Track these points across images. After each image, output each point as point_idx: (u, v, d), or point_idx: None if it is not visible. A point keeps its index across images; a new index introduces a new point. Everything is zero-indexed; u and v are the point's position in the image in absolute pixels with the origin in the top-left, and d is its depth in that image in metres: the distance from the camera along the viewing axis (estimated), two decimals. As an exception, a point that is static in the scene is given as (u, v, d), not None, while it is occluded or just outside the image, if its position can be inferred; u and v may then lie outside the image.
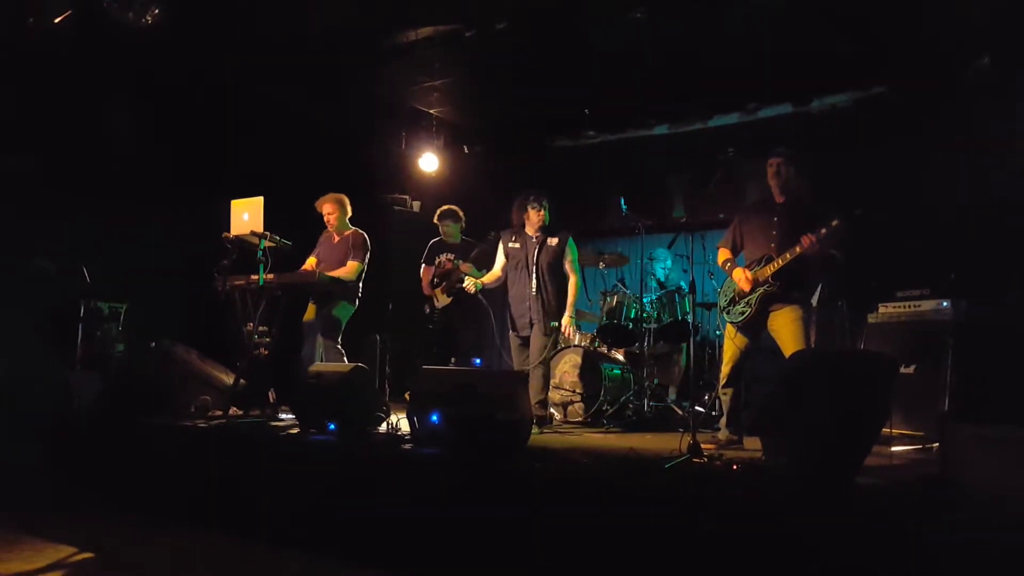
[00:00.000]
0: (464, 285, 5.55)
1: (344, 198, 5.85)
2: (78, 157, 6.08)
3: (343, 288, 5.52)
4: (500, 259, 5.54)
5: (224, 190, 5.58)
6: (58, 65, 5.68)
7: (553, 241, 5.33)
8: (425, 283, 6.37)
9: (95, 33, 5.38)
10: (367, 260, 5.69)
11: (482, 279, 5.53)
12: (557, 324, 5.23)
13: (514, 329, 5.42)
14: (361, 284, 5.69)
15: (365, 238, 5.74)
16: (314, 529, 3.80)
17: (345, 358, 5.52)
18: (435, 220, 6.36)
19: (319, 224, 5.91)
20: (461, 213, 6.37)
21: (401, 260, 6.73)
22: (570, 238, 5.41)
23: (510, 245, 5.43)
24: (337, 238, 5.81)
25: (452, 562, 3.36)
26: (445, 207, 6.38)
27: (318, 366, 4.98)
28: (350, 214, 5.87)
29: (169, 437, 4.66)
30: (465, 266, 5.96)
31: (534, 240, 5.34)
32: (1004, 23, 5.17)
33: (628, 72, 6.34)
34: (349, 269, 5.57)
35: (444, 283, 6.21)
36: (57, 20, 5.20)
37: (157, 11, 5.14)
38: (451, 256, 6.28)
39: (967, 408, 4.23)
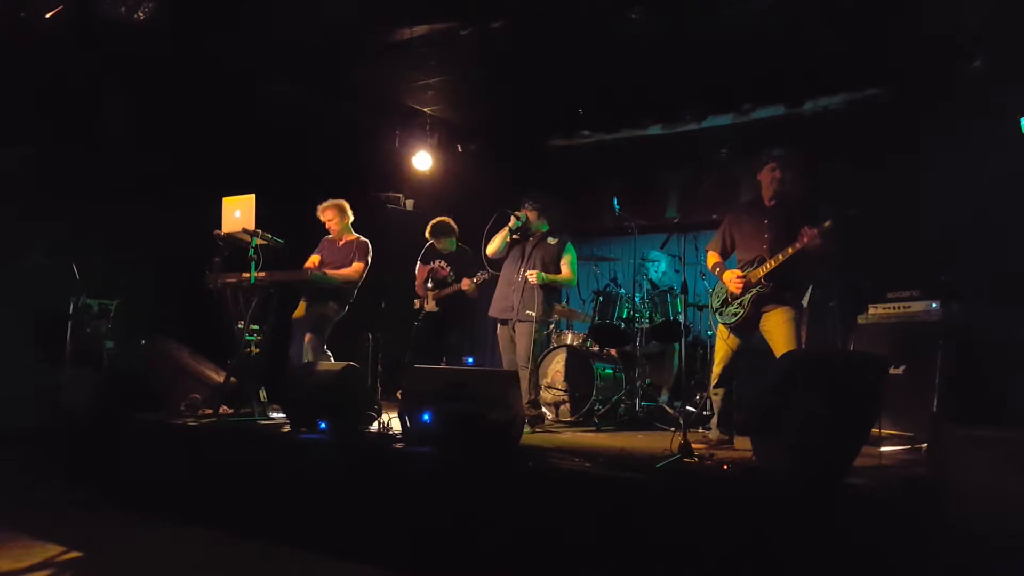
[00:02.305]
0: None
1: (345, 204, 5.91)
2: (69, 153, 6.04)
3: (336, 289, 5.53)
4: (502, 235, 5.53)
5: (216, 187, 5.56)
6: (49, 60, 5.65)
7: (552, 240, 5.43)
8: (419, 281, 6.38)
9: (87, 28, 5.35)
10: (368, 265, 5.74)
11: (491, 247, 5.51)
12: (532, 313, 5.23)
13: (491, 310, 5.50)
14: (356, 289, 5.72)
15: (368, 245, 5.82)
16: (306, 526, 3.80)
17: (331, 357, 5.53)
18: (427, 235, 6.33)
19: (311, 222, 5.91)
20: (453, 224, 6.33)
21: (394, 259, 6.71)
22: (569, 242, 5.48)
23: (515, 236, 5.50)
24: (341, 243, 5.85)
25: (444, 559, 3.37)
26: (436, 222, 6.30)
27: (310, 365, 4.97)
28: (352, 219, 5.90)
29: (159, 435, 4.64)
30: (466, 282, 6.00)
31: (533, 238, 5.43)
32: (997, 26, 5.19)
33: (623, 72, 6.35)
34: (354, 269, 5.65)
35: (437, 289, 6.23)
36: (48, 15, 5.16)
37: (149, 7, 5.11)
38: (444, 264, 6.30)
39: (956, 409, 4.25)
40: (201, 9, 5.49)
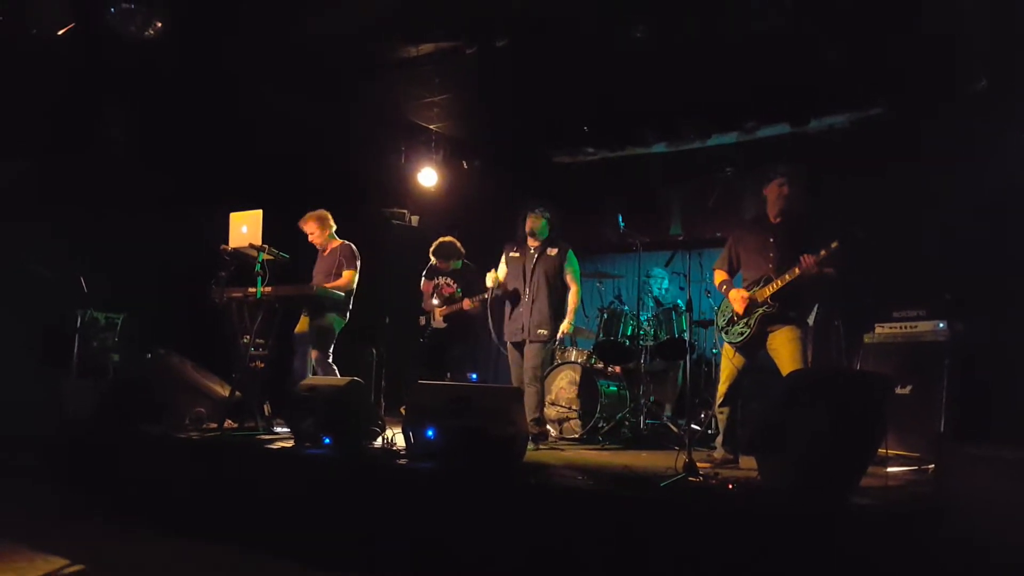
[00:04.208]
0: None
1: (325, 213, 5.89)
2: (77, 166, 6.09)
3: (335, 301, 5.54)
4: (502, 267, 5.62)
5: (223, 202, 5.60)
6: (58, 74, 5.70)
7: (552, 251, 5.40)
8: (426, 297, 6.39)
9: (97, 44, 5.41)
10: (358, 269, 5.73)
11: (488, 282, 5.57)
12: (545, 332, 5.24)
13: (505, 335, 5.49)
14: (352, 297, 5.71)
15: (353, 248, 5.78)
16: (309, 541, 3.78)
17: (337, 371, 5.52)
18: (430, 256, 6.34)
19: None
20: (458, 245, 6.34)
21: (399, 274, 6.73)
22: (569, 250, 5.47)
23: (511, 255, 5.55)
24: (326, 251, 5.85)
25: (446, 573, 3.34)
26: (439, 244, 6.31)
27: (313, 379, 4.97)
28: (334, 227, 5.91)
29: (164, 448, 4.64)
30: (467, 302, 6.02)
31: (533, 251, 5.41)
32: (1002, 47, 5.21)
33: (627, 90, 6.38)
34: (345, 279, 5.61)
35: (444, 306, 6.24)
36: (60, 32, 5.22)
37: (160, 24, 5.17)
38: (450, 281, 6.31)
39: (963, 429, 4.22)
40: (209, 26, 5.54)
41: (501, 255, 5.67)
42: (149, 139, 6.39)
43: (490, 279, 5.56)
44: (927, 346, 4.60)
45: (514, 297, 5.47)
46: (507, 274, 5.56)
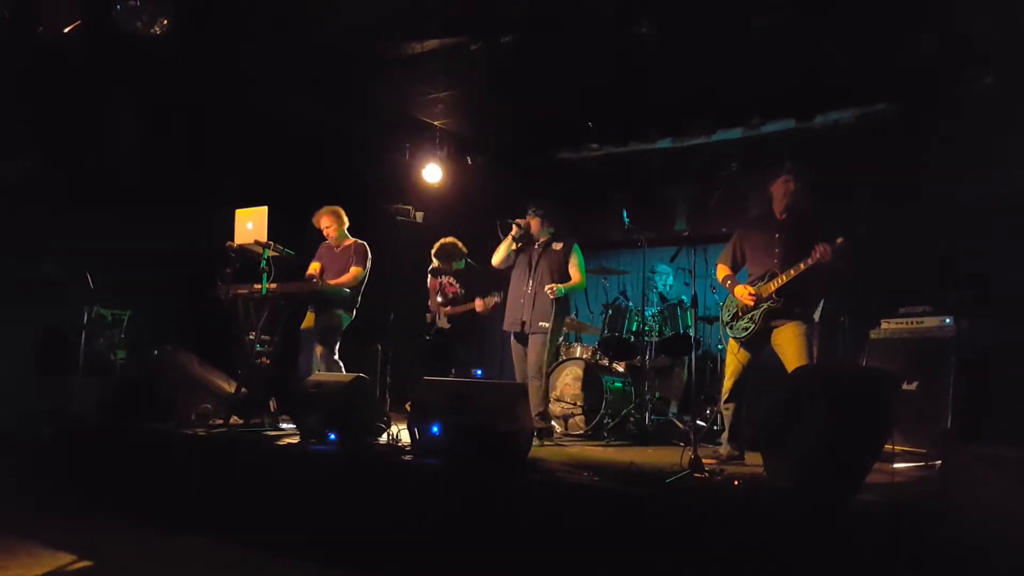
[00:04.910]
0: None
1: (340, 210, 5.90)
2: (83, 164, 6.10)
3: (342, 297, 5.54)
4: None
5: (228, 199, 5.61)
6: (65, 72, 5.71)
7: (557, 246, 5.40)
8: (432, 296, 6.39)
9: (104, 42, 5.42)
10: (368, 268, 5.74)
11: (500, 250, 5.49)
12: (547, 324, 5.22)
13: (504, 324, 5.48)
14: (360, 295, 5.72)
15: (366, 247, 5.79)
16: (314, 538, 3.79)
17: (343, 367, 5.53)
18: (432, 256, 6.33)
19: (321, 234, 5.93)
20: (460, 246, 6.32)
21: (403, 271, 6.74)
22: (575, 244, 5.44)
23: (519, 244, 5.49)
24: (338, 248, 5.86)
25: (451, 571, 3.35)
26: (440, 246, 6.29)
27: (318, 376, 4.98)
28: (347, 224, 5.92)
29: (170, 444, 4.65)
30: (479, 303, 6.01)
31: (538, 245, 5.43)
32: (1009, 42, 5.18)
33: (632, 85, 6.37)
34: (351, 275, 5.62)
35: (449, 306, 6.24)
36: (67, 29, 5.23)
37: (166, 21, 5.17)
38: (453, 281, 6.31)
39: (969, 426, 4.21)
40: (216, 23, 5.54)
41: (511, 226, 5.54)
42: (154, 135, 6.39)
43: (499, 254, 5.47)
44: (933, 342, 4.59)
45: (515, 288, 5.45)
46: (514, 265, 5.54)
